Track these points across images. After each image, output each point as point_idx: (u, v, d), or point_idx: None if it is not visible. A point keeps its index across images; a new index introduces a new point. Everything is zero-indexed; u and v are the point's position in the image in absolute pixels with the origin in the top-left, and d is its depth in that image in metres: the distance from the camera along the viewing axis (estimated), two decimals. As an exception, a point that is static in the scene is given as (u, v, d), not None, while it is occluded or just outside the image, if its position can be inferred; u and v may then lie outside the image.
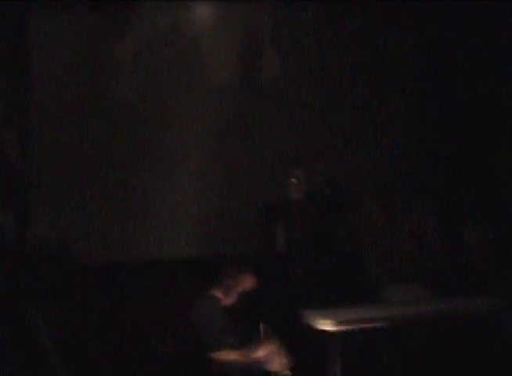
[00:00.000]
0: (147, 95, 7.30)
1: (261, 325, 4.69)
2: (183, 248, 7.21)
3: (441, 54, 7.18)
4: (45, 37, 7.00)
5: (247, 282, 4.73)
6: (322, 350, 4.77)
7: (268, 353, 4.55)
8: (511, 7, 6.09)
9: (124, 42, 7.19)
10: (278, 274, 6.02)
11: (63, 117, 7.09)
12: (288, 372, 4.57)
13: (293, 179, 6.03)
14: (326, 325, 4.68)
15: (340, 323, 4.69)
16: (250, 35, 7.45)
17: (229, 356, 4.48)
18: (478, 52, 6.71)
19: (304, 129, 7.46)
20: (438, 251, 5.73)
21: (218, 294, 4.69)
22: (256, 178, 7.31)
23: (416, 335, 4.87)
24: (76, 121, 7.11)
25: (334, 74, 7.55)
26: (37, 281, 5.67)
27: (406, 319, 4.84)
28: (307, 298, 5.71)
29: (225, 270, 4.75)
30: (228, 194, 7.38)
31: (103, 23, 7.13)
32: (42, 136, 6.99)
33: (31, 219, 6.58)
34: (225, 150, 7.37)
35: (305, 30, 7.51)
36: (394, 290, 5.44)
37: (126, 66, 7.23)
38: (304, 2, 7.42)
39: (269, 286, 5.63)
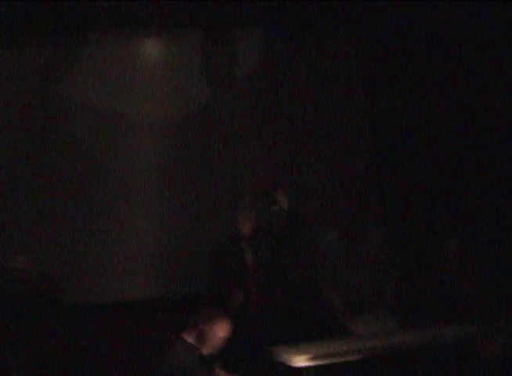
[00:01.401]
0: (97, 130, 7.18)
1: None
2: (138, 290, 7.04)
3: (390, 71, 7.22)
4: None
5: (223, 329, 4.39)
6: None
7: None
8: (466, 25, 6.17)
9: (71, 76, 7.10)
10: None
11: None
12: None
13: (245, 211, 5.87)
14: (301, 361, 4.61)
15: (313, 358, 4.63)
16: (203, 67, 7.43)
17: None
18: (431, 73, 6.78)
19: (255, 160, 7.42)
20: (398, 278, 5.71)
21: (190, 340, 4.36)
22: (210, 216, 7.21)
23: (390, 367, 4.84)
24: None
25: (283, 101, 7.54)
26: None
27: (379, 352, 4.81)
28: (270, 334, 5.59)
29: (198, 314, 4.42)
30: (184, 232, 7.25)
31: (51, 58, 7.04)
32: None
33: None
34: (180, 185, 7.28)
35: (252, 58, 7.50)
36: (360, 321, 5.39)
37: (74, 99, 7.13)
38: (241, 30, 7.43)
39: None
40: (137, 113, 7.25)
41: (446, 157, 6.47)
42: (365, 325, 5.31)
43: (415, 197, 6.79)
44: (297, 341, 5.04)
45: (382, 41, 7.29)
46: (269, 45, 7.52)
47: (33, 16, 6.72)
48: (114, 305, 6.68)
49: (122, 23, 7.15)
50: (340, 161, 7.45)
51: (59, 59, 7.06)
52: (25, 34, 6.89)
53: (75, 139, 7.07)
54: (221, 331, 4.39)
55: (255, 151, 7.42)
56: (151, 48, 7.39)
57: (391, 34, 7.11)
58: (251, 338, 5.52)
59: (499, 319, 4.85)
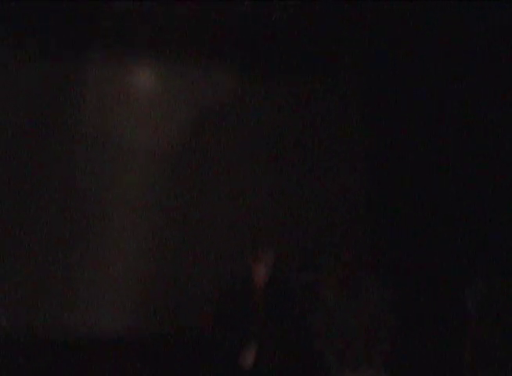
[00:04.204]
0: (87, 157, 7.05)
1: None
2: (122, 325, 6.83)
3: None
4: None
5: None
6: None
7: None
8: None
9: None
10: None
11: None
12: None
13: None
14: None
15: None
16: (198, 101, 7.33)
17: None
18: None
19: (245, 198, 7.29)
20: (394, 334, 5.56)
21: None
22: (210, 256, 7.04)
23: None
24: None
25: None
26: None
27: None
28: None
29: None
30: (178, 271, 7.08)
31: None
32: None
33: None
34: (170, 218, 7.12)
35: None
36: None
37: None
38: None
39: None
40: (129, 142, 7.10)
41: (450, 205, 6.35)
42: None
43: (414, 248, 6.65)
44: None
45: (383, 80, 7.23)
46: (265, 82, 7.43)
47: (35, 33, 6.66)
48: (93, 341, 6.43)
49: (119, 50, 7.03)
50: (336, 210, 7.32)
51: (56, 82, 6.89)
52: (24, 52, 6.77)
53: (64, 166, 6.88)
54: None
55: (246, 188, 7.29)
56: (148, 78, 7.26)
57: (391, 72, 7.06)
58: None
59: None
